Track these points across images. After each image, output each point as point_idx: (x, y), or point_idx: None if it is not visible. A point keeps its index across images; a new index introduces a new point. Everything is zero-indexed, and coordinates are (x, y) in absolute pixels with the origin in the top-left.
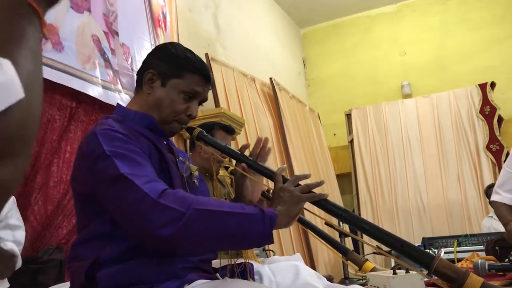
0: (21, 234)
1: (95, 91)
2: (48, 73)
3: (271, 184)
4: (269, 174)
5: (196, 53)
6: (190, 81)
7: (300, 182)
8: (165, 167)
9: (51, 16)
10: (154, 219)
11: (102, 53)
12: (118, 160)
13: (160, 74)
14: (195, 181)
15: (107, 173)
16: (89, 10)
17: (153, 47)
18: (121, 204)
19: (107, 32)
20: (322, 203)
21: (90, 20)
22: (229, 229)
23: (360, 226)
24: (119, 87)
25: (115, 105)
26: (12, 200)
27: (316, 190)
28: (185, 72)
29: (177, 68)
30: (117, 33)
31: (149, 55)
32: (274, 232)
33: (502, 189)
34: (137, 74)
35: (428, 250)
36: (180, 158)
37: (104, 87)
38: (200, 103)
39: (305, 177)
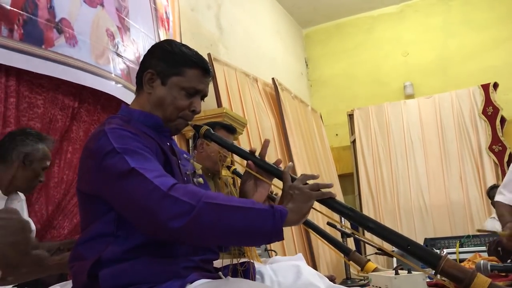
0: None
1: (107, 87)
2: (60, 71)
3: (273, 187)
4: (277, 173)
5: (205, 58)
6: (190, 77)
7: (307, 182)
8: (168, 169)
9: (65, 9)
10: (165, 211)
11: (116, 48)
12: (128, 156)
13: (159, 73)
14: (196, 179)
15: (117, 168)
16: (102, 4)
17: None
18: (131, 196)
19: (120, 27)
20: (329, 202)
21: (104, 14)
22: (239, 223)
23: (367, 225)
24: (130, 83)
25: (126, 101)
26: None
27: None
28: (183, 67)
29: (175, 65)
30: (128, 29)
31: (146, 55)
32: None
33: (506, 189)
34: (136, 76)
35: None
36: (185, 155)
37: (117, 82)
38: (202, 98)
39: (313, 177)
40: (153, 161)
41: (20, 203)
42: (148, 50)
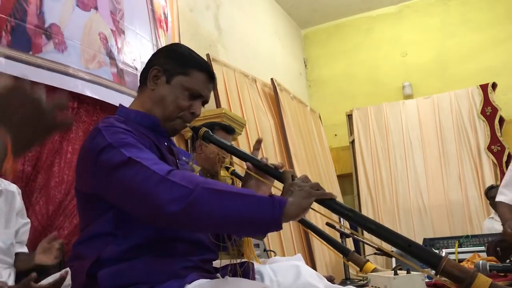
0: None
1: (97, 92)
2: (48, 77)
3: (273, 188)
4: (276, 174)
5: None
6: (195, 79)
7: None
8: None
9: (55, 15)
10: (162, 195)
11: (108, 52)
12: (124, 148)
13: (166, 71)
14: None
15: (114, 160)
16: (96, 8)
17: (155, 47)
18: (129, 184)
19: (114, 30)
20: (329, 202)
21: (98, 18)
22: (237, 210)
23: (366, 226)
24: (123, 87)
25: (117, 105)
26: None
27: None
28: (190, 69)
29: (182, 65)
30: (123, 32)
31: (154, 54)
32: (275, 233)
33: (507, 189)
34: (141, 74)
35: None
36: (184, 158)
37: (107, 87)
38: (203, 104)
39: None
40: (148, 152)
41: (8, 197)
42: (157, 50)
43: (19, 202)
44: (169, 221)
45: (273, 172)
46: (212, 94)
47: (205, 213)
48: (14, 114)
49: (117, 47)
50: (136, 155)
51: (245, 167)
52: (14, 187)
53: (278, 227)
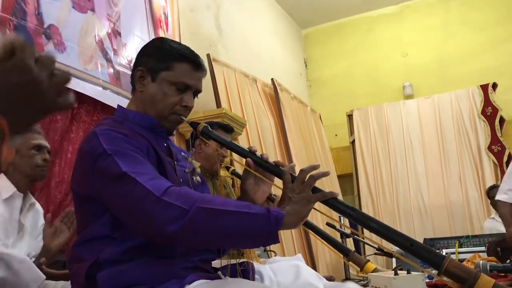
0: None
1: (96, 92)
2: None
3: (273, 189)
4: (277, 172)
5: (197, 53)
6: (179, 71)
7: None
8: (162, 170)
9: (53, 16)
10: (158, 216)
11: (104, 54)
12: (119, 158)
13: (149, 70)
14: (194, 178)
15: (109, 172)
16: (92, 10)
17: None
18: (124, 201)
19: (110, 32)
20: (331, 201)
21: (94, 20)
22: (234, 228)
23: (368, 225)
24: (119, 88)
25: (115, 106)
26: None
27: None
28: (172, 62)
29: (164, 60)
30: (119, 33)
31: (138, 53)
32: None
33: (507, 187)
34: (130, 76)
35: None
36: (182, 154)
37: (105, 88)
38: (195, 95)
39: (313, 168)
40: (144, 163)
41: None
42: (140, 49)
43: (41, 222)
44: (166, 240)
45: (273, 169)
46: (212, 94)
47: (201, 232)
48: (11, 94)
49: (113, 49)
50: (132, 169)
51: (245, 164)
52: (39, 207)
53: (275, 242)
